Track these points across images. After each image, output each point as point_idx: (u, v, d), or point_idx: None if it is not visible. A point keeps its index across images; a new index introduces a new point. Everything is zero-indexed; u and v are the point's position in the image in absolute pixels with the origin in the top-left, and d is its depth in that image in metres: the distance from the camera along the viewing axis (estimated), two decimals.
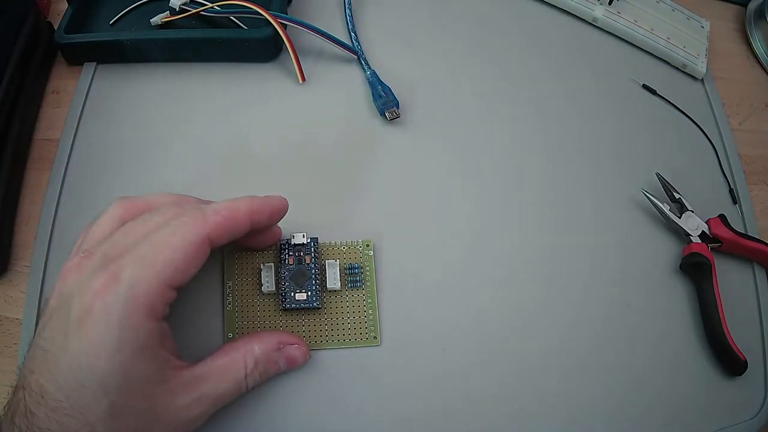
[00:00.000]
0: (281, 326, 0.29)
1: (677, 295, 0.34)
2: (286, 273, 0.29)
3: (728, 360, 0.32)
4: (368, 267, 0.30)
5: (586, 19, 0.44)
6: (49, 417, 0.20)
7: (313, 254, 0.29)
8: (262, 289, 0.29)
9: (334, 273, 0.29)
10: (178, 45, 0.36)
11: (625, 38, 0.44)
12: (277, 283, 0.29)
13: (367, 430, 0.28)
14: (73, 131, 0.34)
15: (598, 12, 0.43)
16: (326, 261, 0.30)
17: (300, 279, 0.28)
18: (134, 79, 0.36)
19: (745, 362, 0.32)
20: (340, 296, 0.30)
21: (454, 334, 0.31)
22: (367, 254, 0.31)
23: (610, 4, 0.43)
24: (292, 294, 0.28)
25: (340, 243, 0.31)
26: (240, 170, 0.34)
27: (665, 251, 0.36)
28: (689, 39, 0.44)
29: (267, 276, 0.29)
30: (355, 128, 0.36)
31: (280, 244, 0.29)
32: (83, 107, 0.35)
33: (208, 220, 0.23)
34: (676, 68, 0.43)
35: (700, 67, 0.43)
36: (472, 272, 0.33)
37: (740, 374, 0.32)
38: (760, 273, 0.36)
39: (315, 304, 0.28)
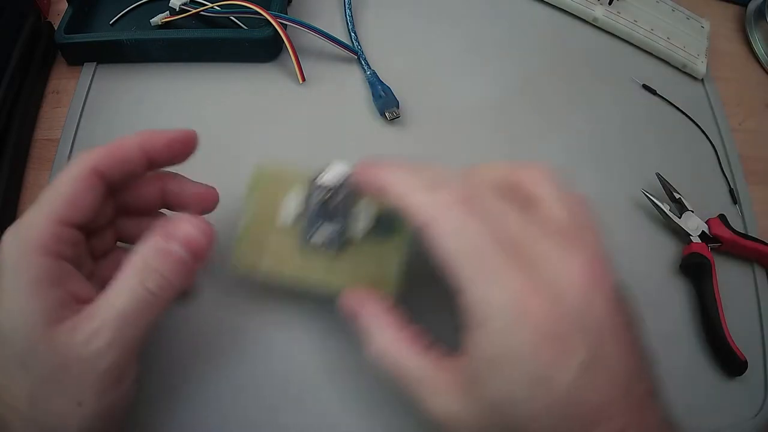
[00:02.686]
0: (296, 264, 0.27)
1: (677, 295, 0.34)
2: (312, 211, 0.27)
3: (728, 360, 0.32)
4: (399, 222, 0.27)
5: (586, 19, 0.44)
6: None
7: (342, 196, 0.27)
8: (281, 222, 0.27)
9: (365, 216, 0.27)
10: (178, 45, 0.36)
11: (625, 38, 0.44)
12: (299, 219, 0.27)
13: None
14: (73, 131, 0.34)
15: (598, 12, 0.43)
16: (361, 201, 0.27)
17: (325, 218, 0.27)
18: (134, 79, 0.36)
19: (745, 362, 0.32)
20: (364, 244, 0.27)
21: (454, 332, 0.31)
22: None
23: (610, 4, 0.43)
24: (312, 234, 0.27)
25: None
26: (239, 170, 0.34)
27: (665, 251, 0.35)
28: (689, 39, 0.44)
29: (288, 209, 0.27)
30: (355, 128, 0.36)
31: (314, 181, 0.27)
32: (83, 107, 0.35)
33: (93, 151, 0.24)
34: (676, 68, 0.43)
35: (700, 67, 0.43)
36: None
37: (740, 374, 0.32)
38: (760, 273, 0.36)
39: (335, 249, 0.27)
